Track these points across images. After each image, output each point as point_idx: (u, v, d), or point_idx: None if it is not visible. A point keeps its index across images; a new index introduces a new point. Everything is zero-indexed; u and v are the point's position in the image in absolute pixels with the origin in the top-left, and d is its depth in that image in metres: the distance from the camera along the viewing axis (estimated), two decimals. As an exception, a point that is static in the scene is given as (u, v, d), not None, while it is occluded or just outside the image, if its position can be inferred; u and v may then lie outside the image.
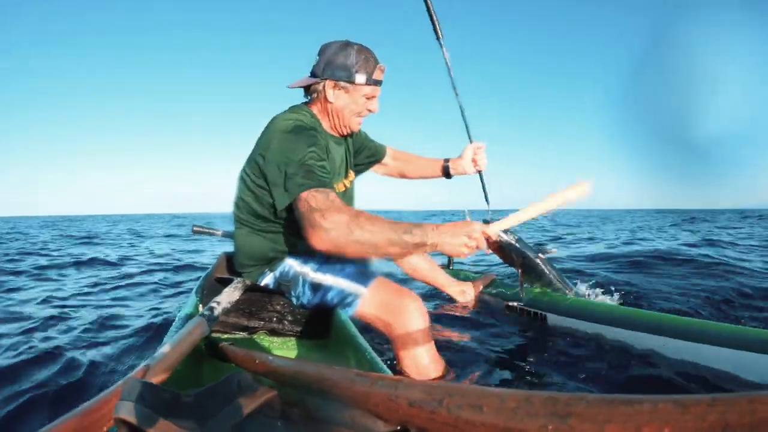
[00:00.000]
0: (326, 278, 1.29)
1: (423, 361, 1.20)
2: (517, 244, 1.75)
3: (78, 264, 4.40)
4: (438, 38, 1.73)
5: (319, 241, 1.07)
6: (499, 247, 1.76)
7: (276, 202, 1.20)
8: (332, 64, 1.31)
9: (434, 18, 1.70)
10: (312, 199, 1.11)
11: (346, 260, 1.36)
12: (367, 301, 1.24)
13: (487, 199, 1.86)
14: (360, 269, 1.31)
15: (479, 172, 1.80)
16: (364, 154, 1.68)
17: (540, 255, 1.79)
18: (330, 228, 1.06)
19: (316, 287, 1.29)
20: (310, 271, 1.31)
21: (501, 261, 1.89)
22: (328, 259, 1.34)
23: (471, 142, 1.79)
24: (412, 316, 1.21)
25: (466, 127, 1.80)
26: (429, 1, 1.67)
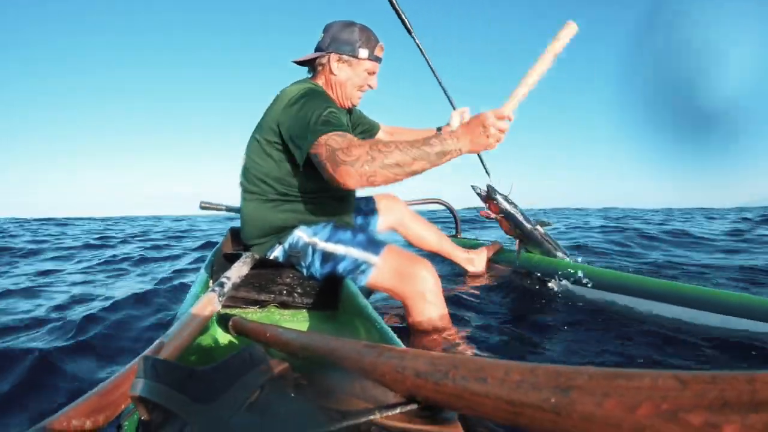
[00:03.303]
0: (338, 248, 1.30)
1: (438, 324, 1.23)
2: (518, 216, 1.94)
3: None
4: (409, 32, 1.86)
5: (347, 176, 1.10)
6: (503, 218, 1.94)
7: (296, 154, 1.23)
8: (337, 40, 1.38)
9: (402, 15, 1.83)
10: (331, 140, 1.14)
11: (357, 229, 1.39)
12: (380, 269, 1.26)
13: (484, 167, 1.99)
14: (370, 238, 1.33)
15: None
16: (358, 130, 1.73)
17: (538, 227, 1.95)
18: (353, 161, 1.09)
19: (327, 257, 1.30)
20: (320, 241, 1.33)
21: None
22: (338, 228, 1.35)
23: (454, 108, 1.85)
24: (425, 282, 1.24)
25: (448, 97, 1.92)
26: (395, 2, 1.80)
